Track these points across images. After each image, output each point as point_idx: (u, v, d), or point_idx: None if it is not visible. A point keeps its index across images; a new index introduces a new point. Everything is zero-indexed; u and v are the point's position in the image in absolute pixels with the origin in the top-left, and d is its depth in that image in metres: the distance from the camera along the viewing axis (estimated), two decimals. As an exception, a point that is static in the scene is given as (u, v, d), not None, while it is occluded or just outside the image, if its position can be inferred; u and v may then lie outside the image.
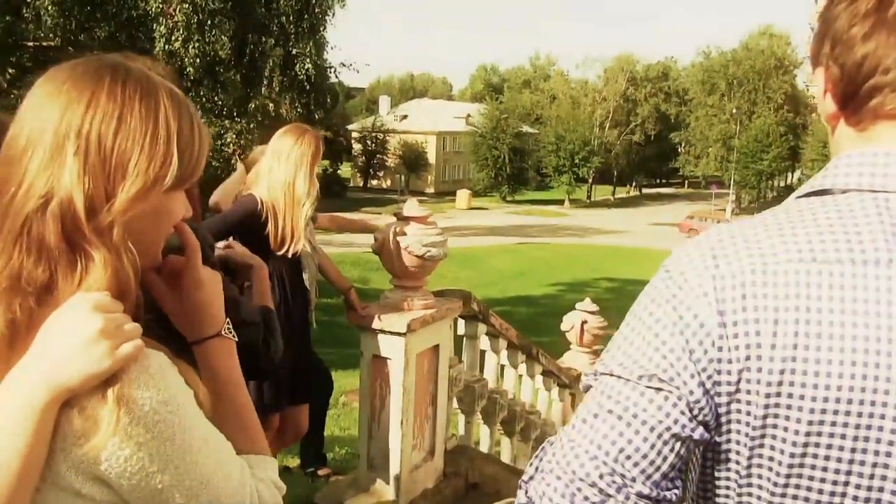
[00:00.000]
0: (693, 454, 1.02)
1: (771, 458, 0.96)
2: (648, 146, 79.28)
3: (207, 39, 14.87)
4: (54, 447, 1.01)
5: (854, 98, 1.04)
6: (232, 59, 15.98)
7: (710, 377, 0.97)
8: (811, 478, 0.94)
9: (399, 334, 3.96)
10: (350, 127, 74.74)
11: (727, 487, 1.02)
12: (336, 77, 20.19)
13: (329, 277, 4.38)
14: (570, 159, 70.47)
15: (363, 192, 72.07)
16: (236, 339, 1.33)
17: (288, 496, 1.39)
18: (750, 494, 1.00)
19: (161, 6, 14.66)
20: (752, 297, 0.96)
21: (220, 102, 16.50)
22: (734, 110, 68.43)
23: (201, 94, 15.74)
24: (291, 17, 16.35)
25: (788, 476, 0.95)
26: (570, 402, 6.68)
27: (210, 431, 1.12)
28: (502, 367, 5.63)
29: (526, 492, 1.06)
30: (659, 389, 0.98)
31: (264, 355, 1.84)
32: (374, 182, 77.32)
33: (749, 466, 0.99)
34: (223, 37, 15.14)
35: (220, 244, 2.17)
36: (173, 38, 14.68)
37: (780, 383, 0.94)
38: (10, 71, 15.40)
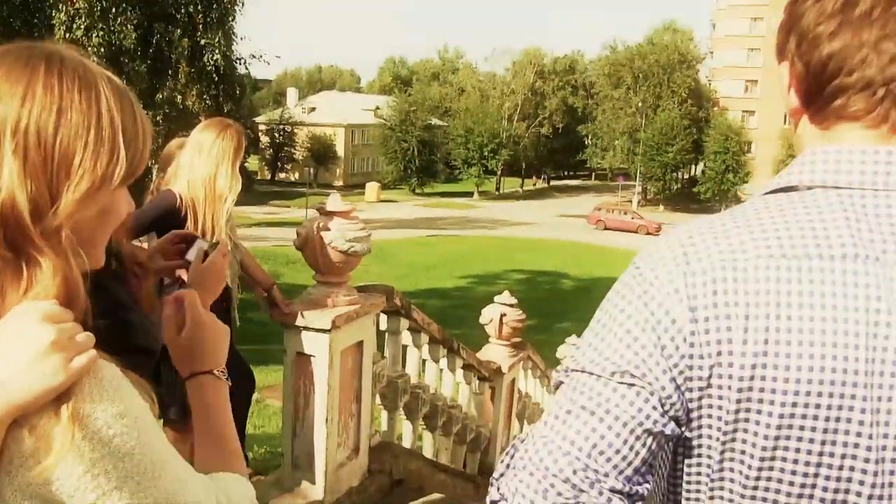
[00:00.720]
0: (663, 449, 1.02)
1: (743, 452, 0.97)
2: (556, 139, 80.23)
3: (112, 28, 14.33)
4: None
5: (818, 97, 1.06)
6: (138, 50, 15.47)
7: (681, 373, 0.98)
8: (782, 470, 0.96)
9: (323, 331, 3.89)
10: (257, 119, 73.26)
11: (698, 482, 1.03)
12: (246, 69, 19.86)
13: (251, 274, 4.27)
14: (478, 152, 71.06)
15: (271, 185, 71.13)
16: (230, 383, 1.37)
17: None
18: (722, 488, 1.01)
19: (62, -10, 14.00)
20: (723, 294, 0.97)
21: (125, 94, 15.91)
22: (640, 104, 69.72)
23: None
24: (199, 7, 15.98)
25: (760, 469, 0.97)
26: (490, 396, 6.73)
27: (168, 447, 1.05)
28: (424, 361, 5.61)
29: (498, 488, 1.05)
30: (631, 385, 0.99)
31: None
32: (282, 175, 76.47)
33: (721, 461, 1.00)
34: (128, 26, 14.59)
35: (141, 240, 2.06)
36: (75, 25, 14.08)
37: (751, 378, 0.95)
38: None
